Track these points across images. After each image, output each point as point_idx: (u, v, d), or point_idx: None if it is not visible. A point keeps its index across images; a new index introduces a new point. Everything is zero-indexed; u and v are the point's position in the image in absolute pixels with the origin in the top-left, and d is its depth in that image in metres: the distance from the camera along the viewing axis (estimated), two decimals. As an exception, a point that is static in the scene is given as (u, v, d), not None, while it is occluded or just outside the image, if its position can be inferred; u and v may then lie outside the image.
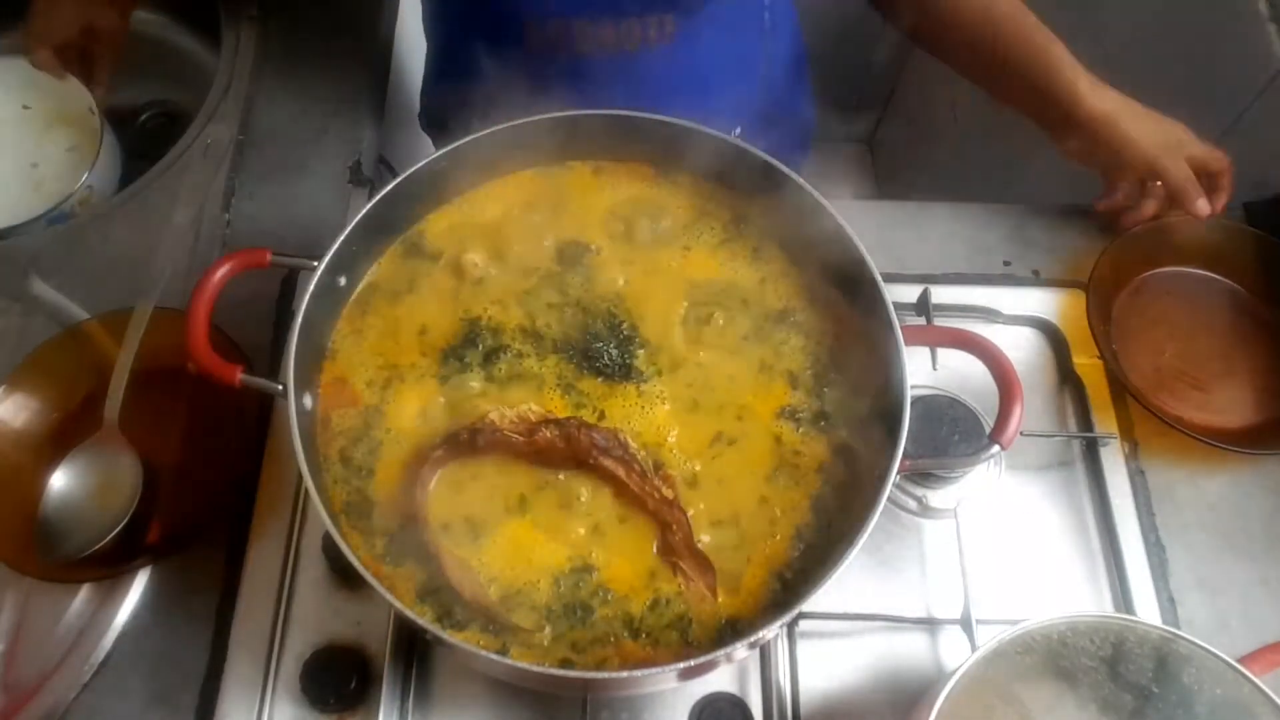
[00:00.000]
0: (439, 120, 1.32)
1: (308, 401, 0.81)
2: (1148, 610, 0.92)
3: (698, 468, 0.81)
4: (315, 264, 0.80)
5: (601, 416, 0.82)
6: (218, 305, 0.81)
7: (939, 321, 0.99)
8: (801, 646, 0.90)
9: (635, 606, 0.76)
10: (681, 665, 0.69)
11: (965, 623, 0.88)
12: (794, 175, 0.85)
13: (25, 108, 1.24)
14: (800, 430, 0.82)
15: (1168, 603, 0.93)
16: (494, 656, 0.71)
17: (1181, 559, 0.95)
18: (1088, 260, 1.05)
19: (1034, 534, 0.96)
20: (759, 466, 0.81)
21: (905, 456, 0.74)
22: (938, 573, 0.94)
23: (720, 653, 0.69)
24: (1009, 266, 1.11)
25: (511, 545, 0.77)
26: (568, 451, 0.78)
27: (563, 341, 0.85)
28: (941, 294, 1.02)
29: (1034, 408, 1.02)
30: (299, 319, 0.78)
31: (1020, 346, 1.06)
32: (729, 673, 0.88)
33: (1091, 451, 1.00)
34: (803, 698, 0.87)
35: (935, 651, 0.90)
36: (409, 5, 1.42)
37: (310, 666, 0.85)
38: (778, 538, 0.78)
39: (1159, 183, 1.05)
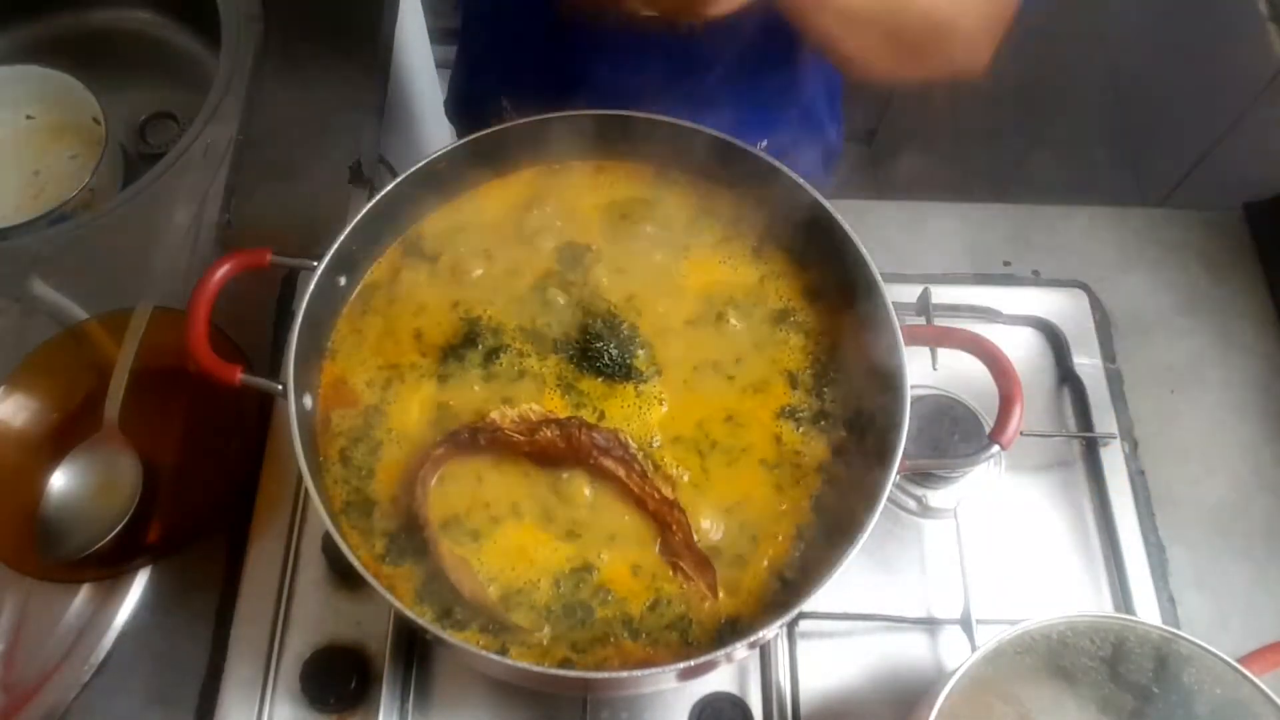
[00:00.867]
0: (469, 107, 1.31)
1: (308, 401, 0.81)
2: (1148, 610, 0.92)
3: (698, 468, 0.81)
4: (315, 264, 0.80)
5: (602, 416, 0.82)
6: (218, 305, 0.81)
7: (939, 321, 0.99)
8: (801, 646, 0.90)
9: (635, 607, 0.76)
10: (681, 665, 0.69)
11: (965, 623, 0.88)
12: (794, 175, 0.84)
13: (29, 118, 1.24)
14: (800, 430, 0.82)
15: (1168, 603, 0.93)
16: (494, 656, 0.71)
17: (1181, 559, 0.95)
18: (1088, 260, 1.05)
19: (1034, 534, 0.96)
20: (759, 466, 0.81)
21: (905, 456, 0.74)
22: (938, 573, 0.94)
23: (720, 653, 0.69)
24: (1009, 266, 1.12)
25: (511, 545, 0.77)
26: (568, 451, 0.78)
27: (563, 341, 0.85)
28: (941, 294, 1.02)
29: (1034, 408, 1.02)
30: (299, 319, 0.78)
31: (1020, 346, 1.06)
32: (729, 673, 0.88)
33: (1091, 451, 1.00)
34: (803, 698, 0.87)
35: (935, 651, 0.90)
36: (409, 5, 1.43)
37: (310, 666, 0.85)
38: (778, 538, 0.78)
39: None
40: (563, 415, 0.81)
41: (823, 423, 0.83)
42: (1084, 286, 1.09)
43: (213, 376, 0.80)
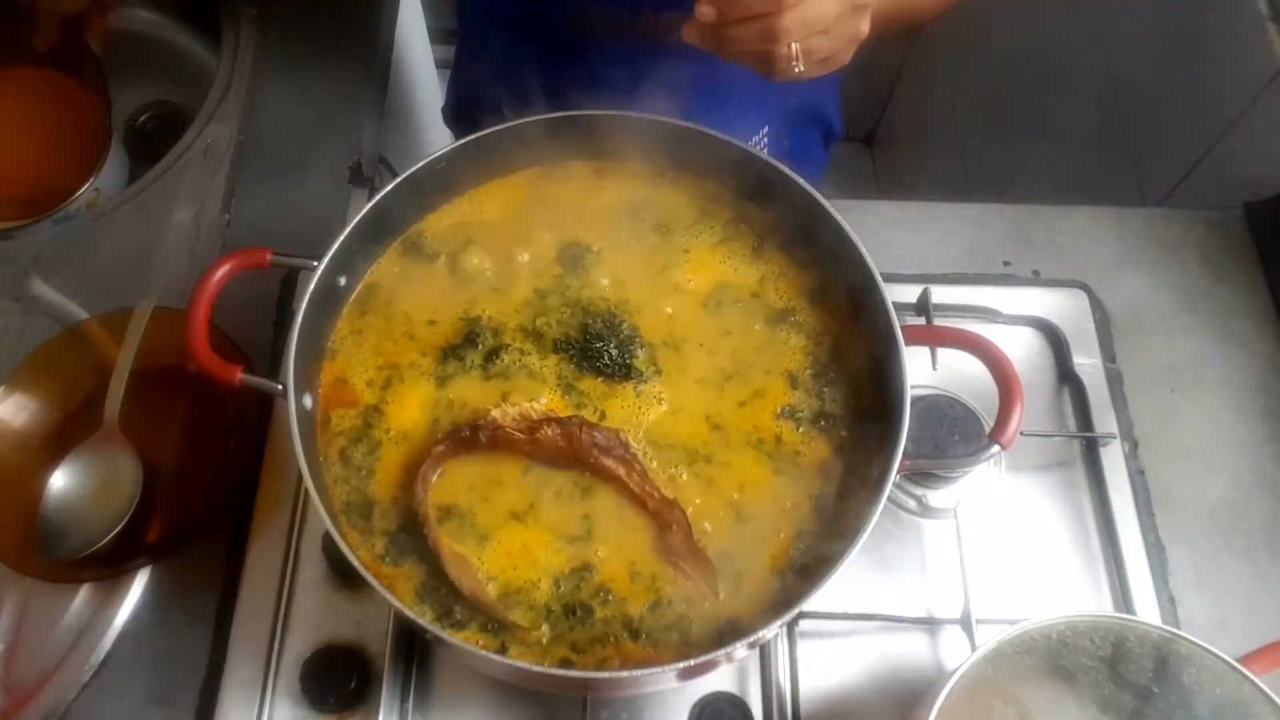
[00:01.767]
0: (467, 113, 1.31)
1: (308, 401, 0.81)
2: (1148, 610, 0.92)
3: (697, 467, 0.81)
4: (315, 264, 0.80)
5: (602, 416, 0.82)
6: (218, 305, 0.81)
7: (939, 321, 0.99)
8: (801, 646, 0.90)
9: (635, 606, 0.76)
10: (681, 665, 0.69)
11: (965, 622, 0.88)
12: (794, 175, 0.85)
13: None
14: (800, 430, 0.82)
15: (1168, 602, 0.93)
16: (493, 656, 0.71)
17: (1181, 559, 0.95)
18: (1088, 260, 1.05)
19: (1034, 534, 0.96)
20: (759, 466, 0.81)
21: (905, 456, 0.74)
22: (937, 573, 0.94)
23: (720, 653, 0.69)
24: (1009, 266, 1.12)
25: (512, 544, 0.77)
26: (569, 450, 0.78)
27: (563, 341, 0.85)
28: (941, 294, 1.02)
29: (1034, 408, 1.02)
30: (299, 319, 0.78)
31: (1020, 346, 1.06)
32: (729, 673, 0.88)
33: (1091, 451, 1.00)
34: (803, 697, 0.87)
35: (935, 651, 0.91)
36: (409, 5, 1.43)
37: (310, 666, 0.85)
38: (778, 537, 0.78)
39: None
40: (564, 415, 0.81)
41: (823, 423, 0.83)
42: (1084, 286, 1.09)
43: (213, 376, 0.80)
